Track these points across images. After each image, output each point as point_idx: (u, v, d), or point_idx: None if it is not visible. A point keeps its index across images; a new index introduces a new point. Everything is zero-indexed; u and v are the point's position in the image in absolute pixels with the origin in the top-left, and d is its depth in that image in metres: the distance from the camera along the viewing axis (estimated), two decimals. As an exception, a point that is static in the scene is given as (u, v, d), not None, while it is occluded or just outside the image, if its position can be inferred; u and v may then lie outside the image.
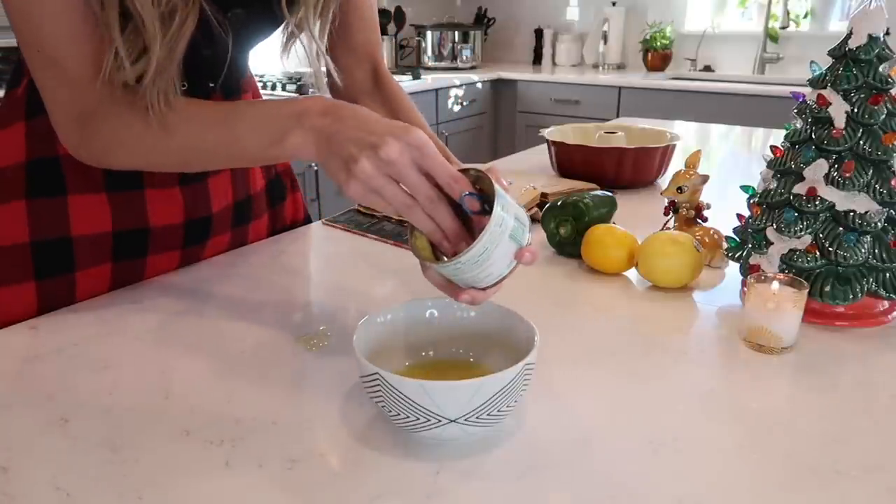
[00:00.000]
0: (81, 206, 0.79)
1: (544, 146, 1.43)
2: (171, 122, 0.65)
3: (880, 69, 0.72)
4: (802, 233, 0.73)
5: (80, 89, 0.66)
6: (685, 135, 1.88)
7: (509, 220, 0.56)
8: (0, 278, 0.77)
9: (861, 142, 0.72)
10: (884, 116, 0.72)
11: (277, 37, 0.82)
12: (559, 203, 0.96)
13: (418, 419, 0.51)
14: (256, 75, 2.79)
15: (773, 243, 0.76)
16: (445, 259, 0.59)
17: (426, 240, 0.60)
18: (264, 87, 2.86)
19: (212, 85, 0.83)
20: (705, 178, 0.93)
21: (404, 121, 0.80)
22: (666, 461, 0.53)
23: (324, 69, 0.81)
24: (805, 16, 3.52)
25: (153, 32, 0.63)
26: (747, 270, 0.78)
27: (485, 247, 0.56)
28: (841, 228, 0.73)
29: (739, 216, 0.82)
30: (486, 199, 0.57)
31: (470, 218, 0.59)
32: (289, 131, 0.60)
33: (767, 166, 0.79)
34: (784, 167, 0.76)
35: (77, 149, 0.70)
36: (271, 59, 0.86)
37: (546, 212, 0.96)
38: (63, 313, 0.77)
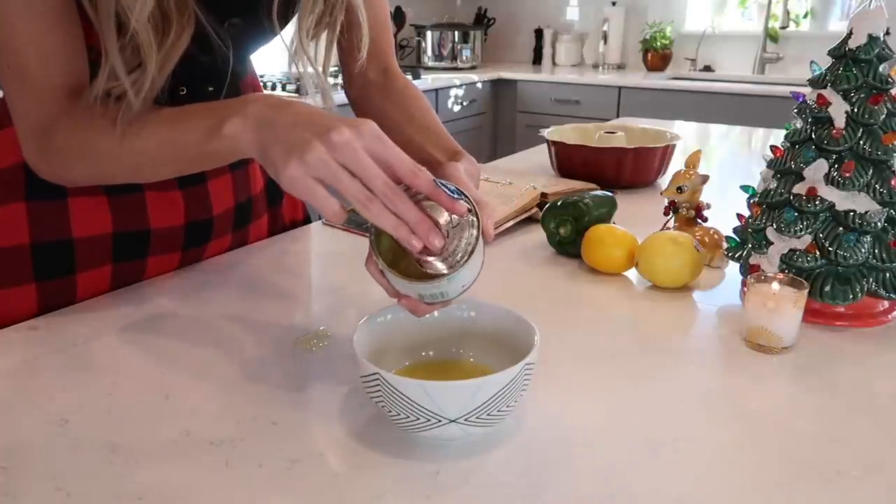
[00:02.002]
0: (82, 208, 0.79)
1: (544, 146, 1.43)
2: (130, 129, 0.64)
3: (880, 69, 0.72)
4: (802, 233, 0.73)
5: (45, 102, 0.66)
6: (685, 135, 1.88)
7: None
8: (0, 280, 0.77)
9: (861, 142, 0.72)
10: (884, 116, 0.72)
11: (280, 40, 0.81)
12: (559, 203, 0.96)
13: (418, 419, 0.51)
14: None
15: (773, 243, 0.76)
16: (426, 269, 0.54)
17: (389, 240, 0.55)
18: (264, 87, 2.86)
19: (211, 89, 0.83)
20: (705, 178, 0.93)
21: (435, 134, 0.79)
22: (666, 461, 0.53)
23: (329, 78, 0.80)
24: (805, 16, 3.52)
25: (149, 46, 0.62)
26: (747, 270, 0.78)
27: (474, 276, 0.54)
28: (841, 228, 0.73)
29: (739, 216, 0.82)
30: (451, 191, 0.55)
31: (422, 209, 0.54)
32: (227, 118, 0.57)
33: (767, 166, 0.79)
34: (784, 167, 0.76)
35: (36, 162, 0.70)
36: (271, 59, 0.85)
37: (546, 212, 0.96)
38: (63, 313, 0.77)
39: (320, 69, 0.77)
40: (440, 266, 0.54)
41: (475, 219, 0.54)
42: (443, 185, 0.54)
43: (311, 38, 0.75)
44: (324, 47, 0.77)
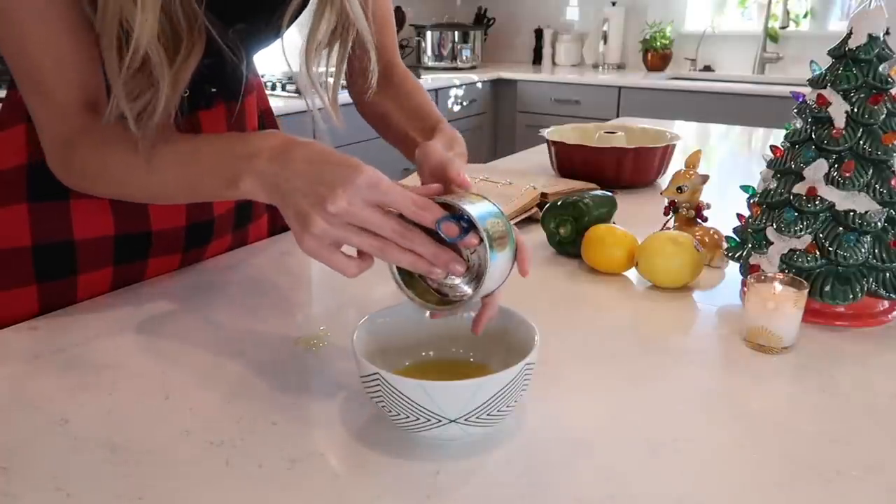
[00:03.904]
0: (83, 210, 0.79)
1: (544, 146, 1.43)
2: (149, 159, 0.64)
3: (880, 69, 0.72)
4: (802, 233, 0.73)
5: (65, 117, 0.67)
6: (685, 135, 1.88)
7: (496, 245, 0.54)
8: (1, 281, 0.77)
9: (861, 141, 0.72)
10: (884, 116, 0.72)
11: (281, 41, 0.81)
12: (559, 203, 0.96)
13: (418, 419, 0.51)
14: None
15: (773, 243, 0.76)
16: (454, 296, 0.57)
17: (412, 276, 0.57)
18: (264, 86, 2.85)
19: (213, 90, 0.82)
20: (705, 178, 0.93)
21: (419, 118, 0.79)
22: (666, 461, 0.53)
23: (320, 102, 0.78)
24: (805, 15, 3.52)
25: (160, 65, 0.62)
26: (747, 270, 0.78)
27: (489, 288, 0.55)
28: (841, 228, 0.73)
29: (739, 216, 0.82)
30: (460, 216, 0.54)
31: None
32: (240, 176, 0.58)
33: (767, 166, 0.79)
34: (784, 167, 0.76)
35: (59, 170, 0.70)
36: (271, 59, 0.84)
37: (546, 212, 0.96)
38: (63, 314, 0.77)
39: (330, 84, 0.76)
40: (464, 288, 0.57)
41: (487, 241, 0.53)
42: (453, 208, 0.54)
43: (323, 49, 0.74)
44: (335, 62, 0.76)
